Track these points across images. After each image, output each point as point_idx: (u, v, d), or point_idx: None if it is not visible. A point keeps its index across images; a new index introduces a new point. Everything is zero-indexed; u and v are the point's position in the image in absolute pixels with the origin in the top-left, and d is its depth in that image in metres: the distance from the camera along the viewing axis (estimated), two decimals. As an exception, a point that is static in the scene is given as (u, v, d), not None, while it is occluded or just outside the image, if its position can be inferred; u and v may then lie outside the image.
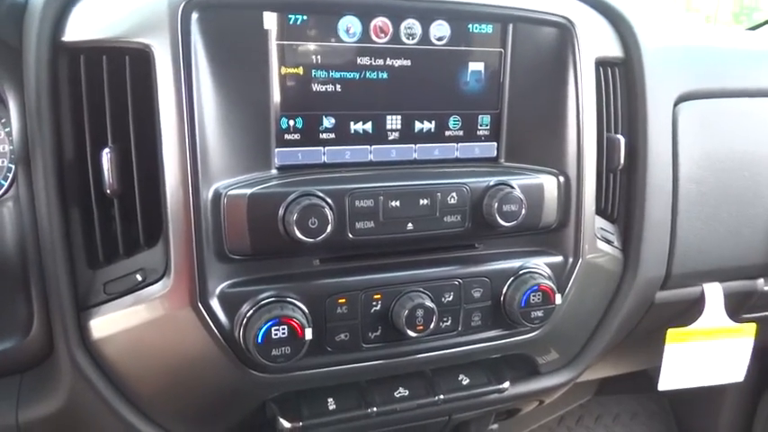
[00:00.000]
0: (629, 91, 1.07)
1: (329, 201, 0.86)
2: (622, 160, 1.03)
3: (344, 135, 0.93)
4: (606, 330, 1.14)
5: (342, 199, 0.87)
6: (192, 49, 0.79)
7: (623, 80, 1.05)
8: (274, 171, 0.89)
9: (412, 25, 0.92)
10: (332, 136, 0.92)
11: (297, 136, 0.90)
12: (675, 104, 1.09)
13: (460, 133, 0.99)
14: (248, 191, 0.83)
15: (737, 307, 1.28)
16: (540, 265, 0.97)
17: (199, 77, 0.80)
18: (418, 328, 0.90)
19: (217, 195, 0.82)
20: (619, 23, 1.06)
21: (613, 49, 1.05)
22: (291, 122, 0.90)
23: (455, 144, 0.99)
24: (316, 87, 0.90)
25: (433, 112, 0.97)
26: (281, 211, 0.84)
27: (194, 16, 0.79)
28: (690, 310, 1.22)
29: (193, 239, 0.80)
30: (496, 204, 0.92)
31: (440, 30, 0.94)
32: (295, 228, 0.82)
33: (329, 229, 0.83)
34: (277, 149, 0.89)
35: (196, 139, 0.79)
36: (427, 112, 0.96)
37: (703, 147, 1.13)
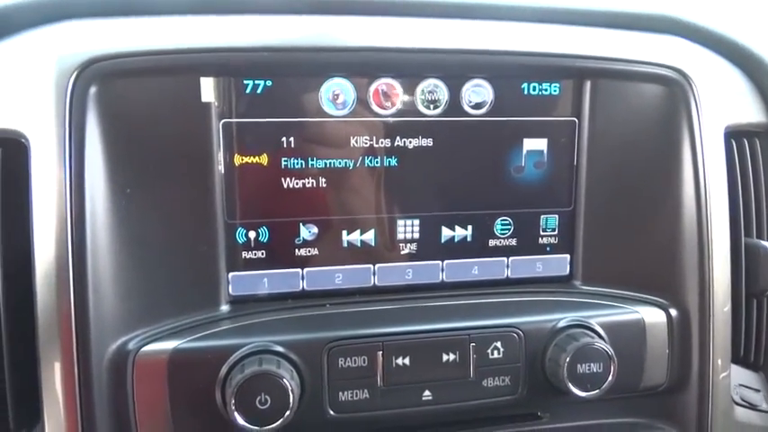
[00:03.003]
0: (781, 173, 0.70)
1: (295, 360, 0.56)
2: (773, 279, 0.68)
3: (333, 250, 0.63)
4: None
5: (316, 356, 0.56)
6: (88, 137, 0.53)
7: (770, 157, 0.68)
8: (225, 308, 0.61)
9: (434, 88, 0.62)
10: (314, 252, 0.63)
11: (261, 254, 0.62)
12: None
13: (513, 242, 0.67)
14: (172, 344, 0.55)
15: None
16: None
17: (95, 179, 0.53)
18: None
19: (121, 355, 0.54)
20: (760, 75, 0.70)
21: (753, 113, 0.70)
22: (252, 234, 0.61)
23: (504, 258, 0.67)
24: (288, 183, 0.61)
25: (469, 213, 0.66)
26: (221, 378, 0.55)
27: (92, 91, 0.53)
28: None
29: (79, 427, 0.52)
30: (567, 362, 0.58)
31: (477, 93, 0.63)
32: (234, 410, 0.52)
33: (289, 411, 0.53)
34: (231, 274, 0.61)
35: (87, 269, 0.52)
36: (461, 214, 0.65)
37: None
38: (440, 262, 0.65)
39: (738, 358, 0.71)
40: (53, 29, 0.55)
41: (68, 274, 0.52)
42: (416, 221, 0.64)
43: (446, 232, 0.65)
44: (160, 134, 0.56)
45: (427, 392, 0.59)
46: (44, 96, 0.53)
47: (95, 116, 0.53)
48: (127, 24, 0.56)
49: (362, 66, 0.60)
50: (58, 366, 0.52)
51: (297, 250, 0.62)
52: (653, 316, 0.64)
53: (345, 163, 0.61)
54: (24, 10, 0.57)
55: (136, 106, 0.55)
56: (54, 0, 0.57)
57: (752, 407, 0.71)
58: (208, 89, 0.57)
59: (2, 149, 0.54)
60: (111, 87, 0.54)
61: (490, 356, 0.60)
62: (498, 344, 0.60)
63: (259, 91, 0.59)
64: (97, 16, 0.56)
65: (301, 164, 0.61)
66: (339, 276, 0.64)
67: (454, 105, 0.62)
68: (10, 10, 0.57)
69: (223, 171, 0.59)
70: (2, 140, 0.53)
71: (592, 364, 0.59)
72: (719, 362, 0.66)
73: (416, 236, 0.64)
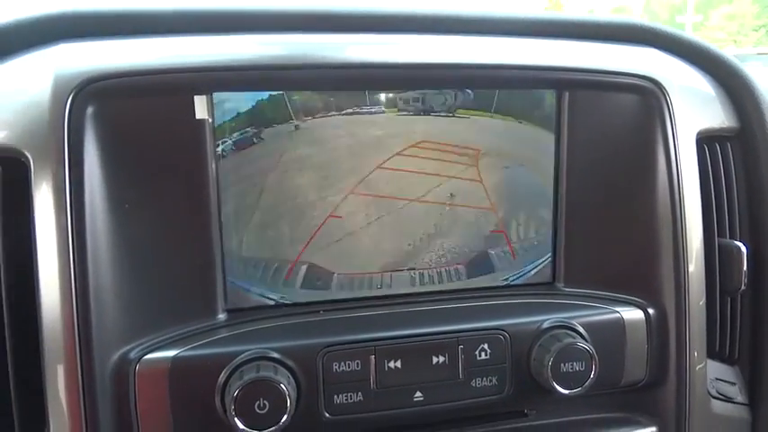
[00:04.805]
0: (752, 175, 0.74)
1: (291, 365, 0.58)
2: (745, 278, 0.72)
3: (326, 259, 0.65)
4: None
5: (312, 361, 0.59)
6: (86, 155, 0.55)
7: (741, 161, 0.74)
8: (222, 316, 0.63)
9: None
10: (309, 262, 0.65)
11: (257, 264, 0.64)
12: (821, 190, 0.75)
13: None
14: (172, 353, 0.57)
15: None
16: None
17: (95, 196, 0.55)
18: None
19: (123, 364, 0.56)
20: (730, 81, 0.73)
21: (724, 118, 0.73)
22: (248, 246, 0.63)
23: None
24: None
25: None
26: (220, 384, 0.57)
27: (89, 110, 0.55)
28: None
29: (83, 433, 0.54)
30: (551, 362, 0.61)
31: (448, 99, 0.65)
32: (234, 415, 0.54)
33: (286, 416, 0.55)
34: (227, 284, 0.63)
35: (89, 282, 0.54)
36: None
37: None
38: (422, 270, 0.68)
39: (714, 353, 0.74)
40: (50, 50, 0.57)
41: (71, 288, 0.53)
42: (405, 229, 0.67)
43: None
44: (156, 151, 0.58)
45: (419, 393, 0.62)
46: (43, 116, 0.54)
47: (93, 134, 0.55)
48: (122, 45, 0.58)
49: (350, 81, 0.62)
50: (62, 377, 0.54)
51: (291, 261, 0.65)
52: (632, 315, 0.67)
53: (336, 174, 0.64)
54: (21, 31, 0.58)
55: (132, 124, 0.57)
56: (51, 22, 0.59)
57: (727, 399, 0.74)
58: (201, 106, 0.59)
59: (2, 168, 0.56)
60: (107, 106, 0.56)
61: (478, 358, 0.63)
62: (486, 345, 0.63)
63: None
64: (93, 37, 0.58)
65: (293, 176, 0.63)
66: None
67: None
68: (7, 31, 0.58)
69: (218, 185, 0.61)
70: (2, 159, 0.55)
71: (574, 363, 0.62)
72: (696, 356, 0.69)
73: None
